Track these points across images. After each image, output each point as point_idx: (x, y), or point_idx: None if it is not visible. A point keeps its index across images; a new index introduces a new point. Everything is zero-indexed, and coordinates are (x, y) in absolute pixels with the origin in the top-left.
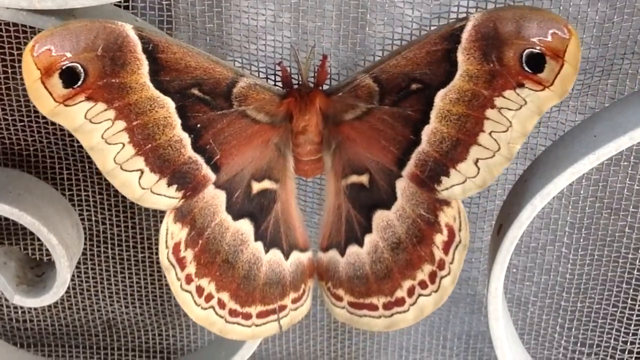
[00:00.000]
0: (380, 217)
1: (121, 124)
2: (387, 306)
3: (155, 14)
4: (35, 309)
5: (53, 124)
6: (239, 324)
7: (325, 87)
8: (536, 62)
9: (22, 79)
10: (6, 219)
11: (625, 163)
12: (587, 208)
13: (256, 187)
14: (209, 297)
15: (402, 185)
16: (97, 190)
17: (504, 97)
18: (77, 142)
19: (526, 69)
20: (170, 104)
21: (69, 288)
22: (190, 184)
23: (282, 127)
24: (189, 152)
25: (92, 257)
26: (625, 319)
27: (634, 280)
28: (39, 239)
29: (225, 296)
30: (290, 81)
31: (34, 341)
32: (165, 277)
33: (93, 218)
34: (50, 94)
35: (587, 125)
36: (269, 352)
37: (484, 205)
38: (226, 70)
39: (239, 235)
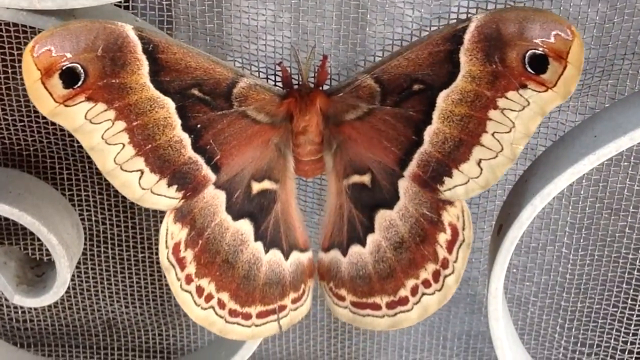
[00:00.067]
0: (382, 217)
1: (121, 125)
2: (390, 305)
3: (155, 14)
4: (35, 309)
5: (53, 124)
6: (238, 324)
7: (325, 87)
8: (539, 63)
9: (22, 79)
10: (6, 219)
11: (626, 163)
12: (587, 208)
13: (256, 187)
14: (208, 297)
15: (405, 185)
16: (97, 190)
17: (507, 98)
18: (77, 142)
19: (529, 70)
20: (170, 104)
21: (69, 288)
22: (190, 184)
23: (283, 127)
24: (189, 152)
25: (92, 257)
26: (625, 319)
27: (634, 280)
28: (39, 239)
29: (225, 296)
30: (290, 81)
31: (34, 341)
32: (165, 277)
33: (93, 218)
34: (51, 95)
35: (587, 125)
36: (269, 352)
37: (484, 206)
38: (226, 70)
39: (239, 235)
